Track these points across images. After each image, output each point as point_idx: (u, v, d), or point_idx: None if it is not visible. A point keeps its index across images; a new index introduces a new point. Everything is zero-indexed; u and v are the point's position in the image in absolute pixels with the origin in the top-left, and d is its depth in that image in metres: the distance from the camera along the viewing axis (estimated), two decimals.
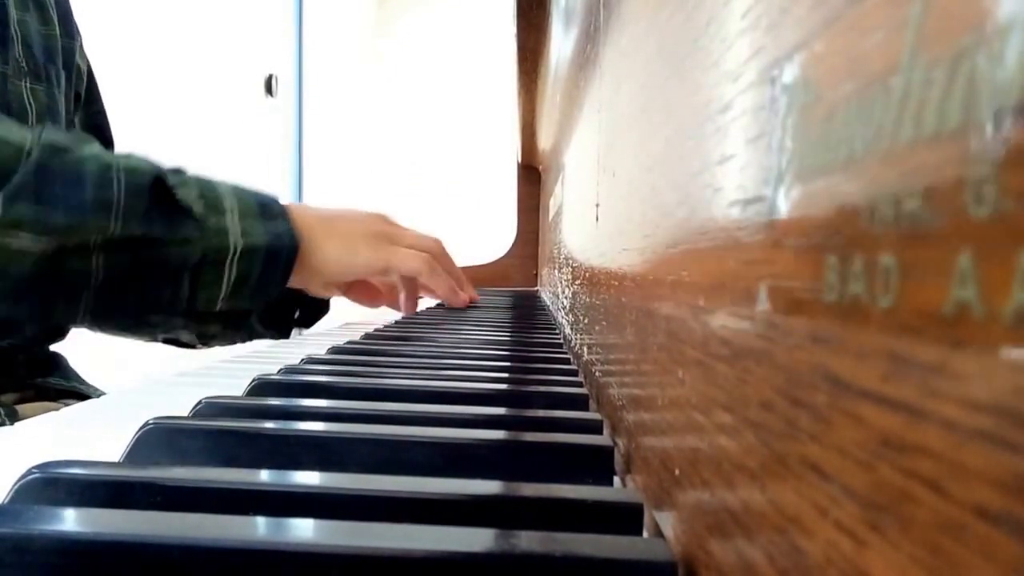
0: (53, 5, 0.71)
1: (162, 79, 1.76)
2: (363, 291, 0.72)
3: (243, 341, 0.67)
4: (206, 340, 0.64)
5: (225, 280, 0.54)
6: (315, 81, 2.59)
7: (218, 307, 0.55)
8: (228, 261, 0.53)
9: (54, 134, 0.50)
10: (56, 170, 0.48)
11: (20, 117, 0.65)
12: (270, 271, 0.55)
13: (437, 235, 0.73)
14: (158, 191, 0.51)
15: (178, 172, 0.54)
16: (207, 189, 0.54)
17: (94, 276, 0.50)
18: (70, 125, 0.74)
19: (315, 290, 0.64)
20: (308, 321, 0.71)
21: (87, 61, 0.78)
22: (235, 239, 0.53)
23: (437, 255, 0.68)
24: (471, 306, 0.86)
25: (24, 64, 0.66)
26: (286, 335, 0.68)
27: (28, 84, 0.66)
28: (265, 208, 0.56)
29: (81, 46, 0.77)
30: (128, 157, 0.52)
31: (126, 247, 0.50)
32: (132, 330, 0.60)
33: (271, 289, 0.56)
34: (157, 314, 0.55)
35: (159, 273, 0.52)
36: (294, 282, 0.59)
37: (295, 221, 0.57)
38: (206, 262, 0.53)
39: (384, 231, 0.64)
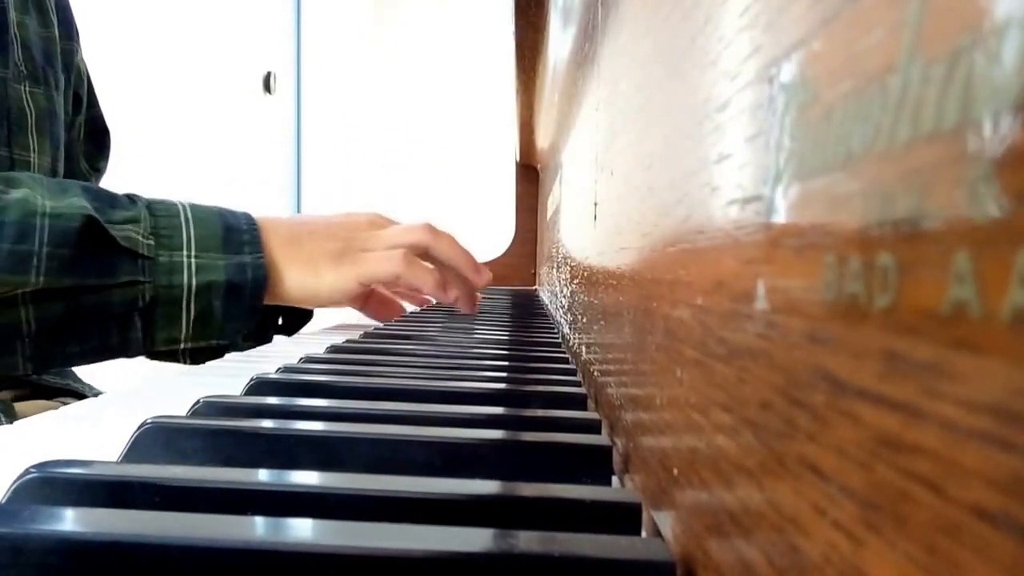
0: (53, 7, 0.71)
1: (160, 77, 1.75)
2: (375, 307, 0.67)
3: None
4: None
5: (184, 319, 0.51)
6: (313, 79, 2.59)
7: (182, 346, 0.52)
8: (184, 300, 0.50)
9: None
10: None
11: (19, 120, 0.65)
12: (234, 306, 0.52)
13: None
14: (92, 234, 0.47)
15: (130, 205, 0.51)
16: (163, 223, 0.51)
17: (26, 326, 0.47)
18: (70, 128, 0.74)
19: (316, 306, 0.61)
20: (291, 329, 0.68)
21: (85, 63, 0.78)
22: (189, 276, 0.50)
23: (423, 244, 0.61)
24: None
25: (23, 67, 0.66)
26: (267, 341, 0.64)
27: (27, 87, 0.66)
28: (230, 236, 0.53)
29: (81, 51, 0.77)
30: (61, 200, 0.48)
31: (57, 295, 0.47)
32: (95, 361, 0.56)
33: (241, 324, 0.53)
34: (108, 357, 0.52)
35: (102, 318, 0.49)
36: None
37: (265, 244, 0.54)
38: (159, 302, 0.50)
39: (353, 243, 0.58)
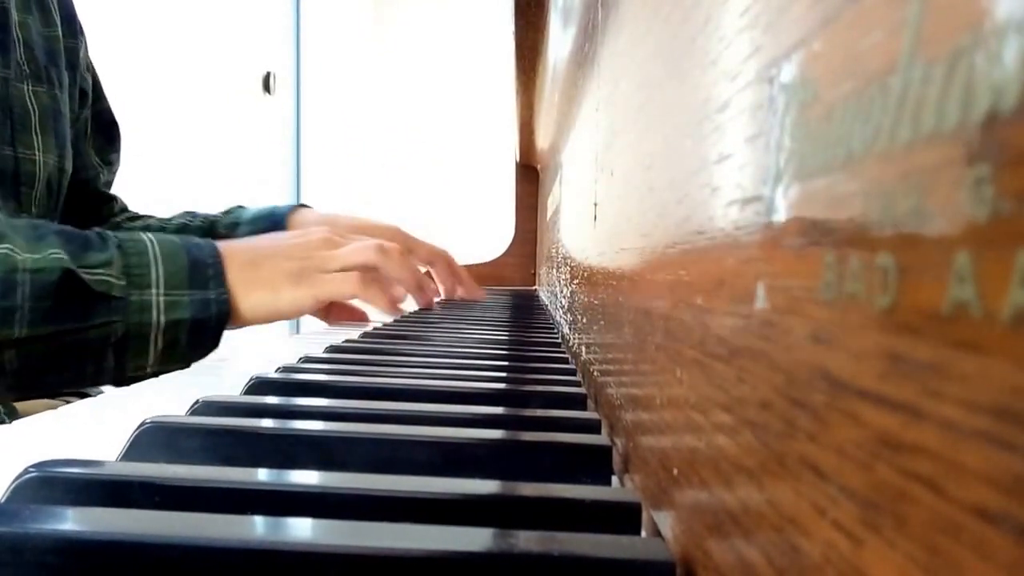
0: (55, 5, 0.72)
1: (160, 77, 1.75)
2: (338, 314, 0.73)
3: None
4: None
5: (152, 350, 0.54)
6: (313, 79, 2.59)
7: (148, 371, 0.55)
8: (152, 335, 0.54)
9: None
10: None
11: (23, 119, 0.65)
12: (198, 338, 0.55)
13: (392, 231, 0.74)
14: (69, 284, 0.50)
15: (101, 245, 0.53)
16: (134, 261, 0.54)
17: (8, 366, 0.50)
18: (75, 123, 0.75)
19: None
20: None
21: (90, 58, 0.78)
22: (158, 314, 0.54)
23: (373, 264, 0.65)
24: (468, 305, 0.86)
25: (26, 67, 0.66)
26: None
27: (30, 87, 0.67)
28: (196, 272, 0.55)
29: (86, 46, 0.77)
30: (39, 251, 0.50)
31: (38, 340, 0.50)
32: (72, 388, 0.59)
33: (203, 351, 0.56)
34: (83, 385, 0.55)
35: (78, 354, 0.52)
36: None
37: (226, 274, 0.57)
38: (130, 335, 0.53)
39: (309, 263, 0.61)
